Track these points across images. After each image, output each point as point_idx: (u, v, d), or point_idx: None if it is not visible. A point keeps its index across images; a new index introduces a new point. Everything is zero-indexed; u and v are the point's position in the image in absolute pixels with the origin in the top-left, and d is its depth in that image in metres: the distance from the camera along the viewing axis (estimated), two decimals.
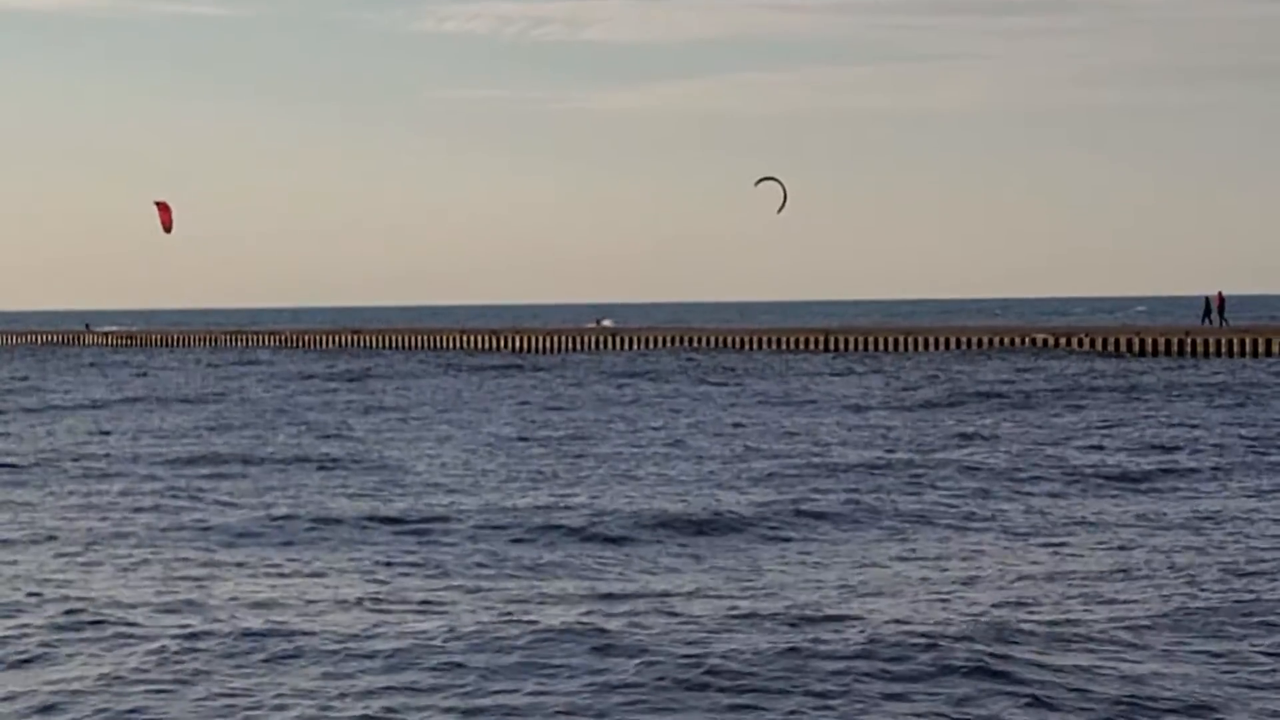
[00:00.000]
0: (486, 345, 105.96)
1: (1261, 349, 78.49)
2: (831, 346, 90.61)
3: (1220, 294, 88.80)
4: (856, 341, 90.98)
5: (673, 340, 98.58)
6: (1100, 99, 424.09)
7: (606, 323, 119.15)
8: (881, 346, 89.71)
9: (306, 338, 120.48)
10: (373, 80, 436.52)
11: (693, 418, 49.19)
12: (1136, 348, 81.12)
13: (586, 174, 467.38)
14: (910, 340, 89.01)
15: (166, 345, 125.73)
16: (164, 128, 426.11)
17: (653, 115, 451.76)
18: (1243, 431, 41.87)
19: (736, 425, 46.20)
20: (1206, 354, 79.10)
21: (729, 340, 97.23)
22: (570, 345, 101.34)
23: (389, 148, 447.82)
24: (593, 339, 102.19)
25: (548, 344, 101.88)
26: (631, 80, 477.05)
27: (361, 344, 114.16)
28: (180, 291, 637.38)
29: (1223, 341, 79.42)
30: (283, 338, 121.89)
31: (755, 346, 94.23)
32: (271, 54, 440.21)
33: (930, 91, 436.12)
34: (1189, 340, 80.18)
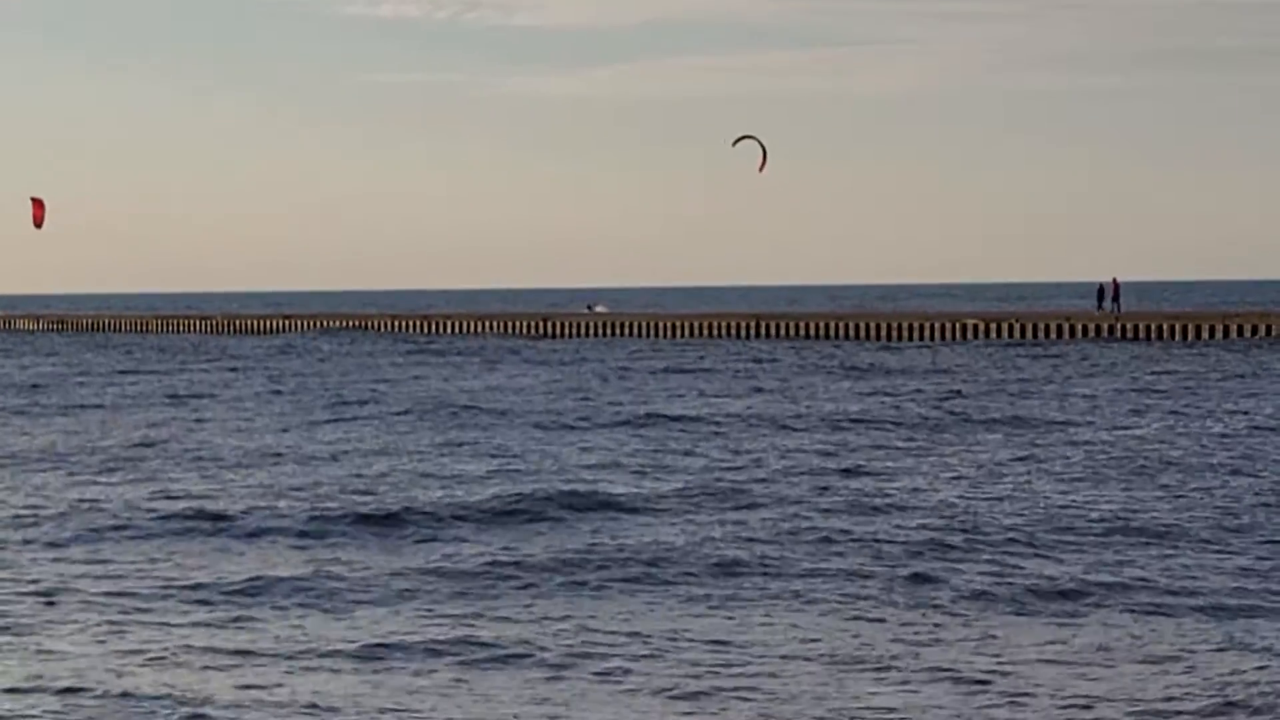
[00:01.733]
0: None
1: (1154, 333, 79.70)
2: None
3: (1115, 280, 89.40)
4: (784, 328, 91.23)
5: (674, 328, 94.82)
6: (1027, 83, 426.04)
7: (600, 308, 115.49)
8: (805, 333, 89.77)
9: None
10: (304, 64, 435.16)
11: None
12: (1045, 333, 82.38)
13: (517, 158, 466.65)
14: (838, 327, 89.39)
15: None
16: (81, 107, 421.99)
17: (585, 100, 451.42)
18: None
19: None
20: (1099, 337, 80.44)
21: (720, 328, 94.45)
22: (576, 331, 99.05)
23: (319, 131, 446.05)
24: (594, 325, 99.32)
25: (557, 328, 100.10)
26: (564, 65, 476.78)
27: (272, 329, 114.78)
28: (96, 275, 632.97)
29: (1115, 326, 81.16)
30: (213, 324, 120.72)
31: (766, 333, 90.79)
32: (201, 37, 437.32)
33: (862, 76, 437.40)
34: (1080, 325, 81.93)
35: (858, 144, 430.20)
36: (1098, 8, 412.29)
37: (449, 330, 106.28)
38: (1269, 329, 78.68)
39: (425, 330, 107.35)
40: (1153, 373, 59.47)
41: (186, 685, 15.32)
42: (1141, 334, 79.90)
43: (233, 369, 70.02)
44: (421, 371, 66.17)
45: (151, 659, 16.38)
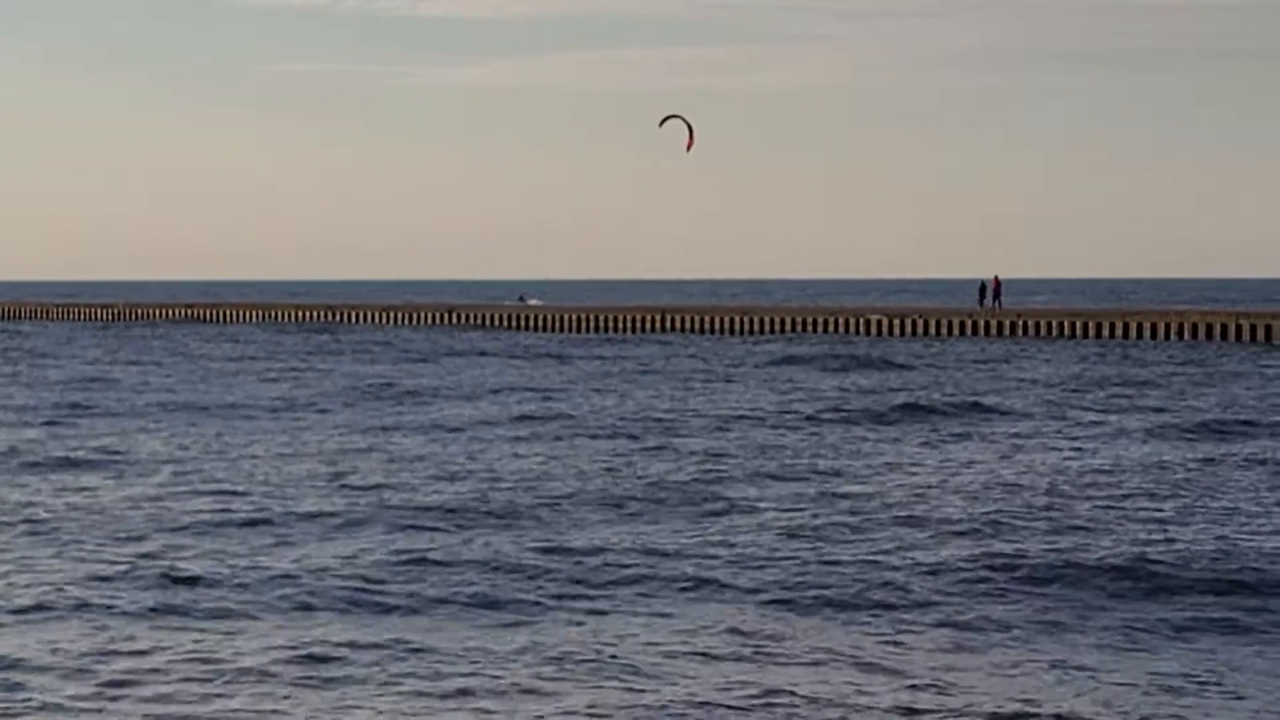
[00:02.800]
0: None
1: (1032, 330, 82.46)
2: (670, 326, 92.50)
3: (996, 278, 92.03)
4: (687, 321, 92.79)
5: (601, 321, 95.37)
6: (937, 80, 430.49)
7: (533, 302, 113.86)
8: (715, 327, 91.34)
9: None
10: (207, 52, 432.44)
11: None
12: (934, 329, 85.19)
13: (423, 149, 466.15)
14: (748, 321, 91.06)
15: None
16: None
17: (492, 91, 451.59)
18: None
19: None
20: (986, 334, 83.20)
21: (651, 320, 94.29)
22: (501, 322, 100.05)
23: (222, 119, 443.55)
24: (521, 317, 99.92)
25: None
26: (471, 56, 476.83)
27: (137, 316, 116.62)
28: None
29: (994, 323, 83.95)
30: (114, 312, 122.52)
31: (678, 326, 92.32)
32: (104, 25, 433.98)
33: (774, 72, 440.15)
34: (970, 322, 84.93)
35: (768, 140, 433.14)
36: (1009, 7, 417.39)
37: (353, 320, 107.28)
38: (1141, 328, 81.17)
39: (331, 319, 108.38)
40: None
41: None
42: (1022, 331, 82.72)
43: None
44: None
45: None
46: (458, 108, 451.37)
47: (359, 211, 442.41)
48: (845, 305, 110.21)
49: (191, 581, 19.97)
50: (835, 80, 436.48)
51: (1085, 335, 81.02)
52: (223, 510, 25.77)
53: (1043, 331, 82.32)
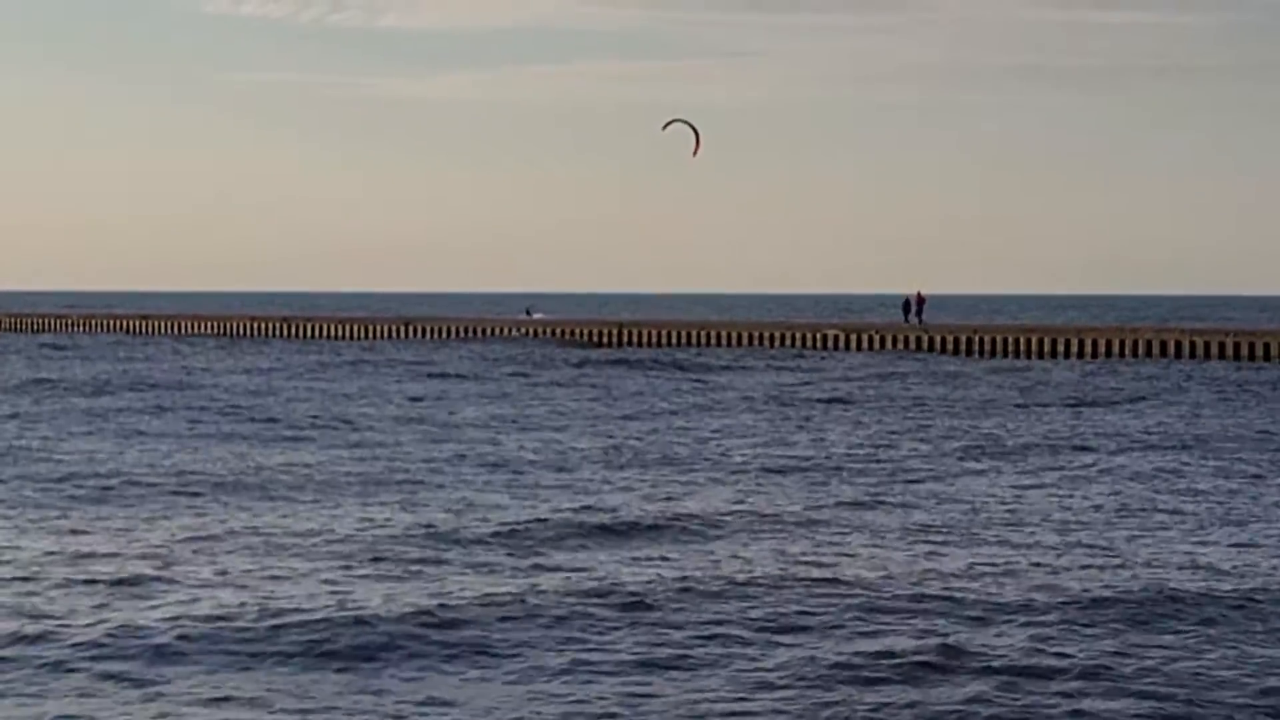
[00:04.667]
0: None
1: (951, 346, 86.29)
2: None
3: (920, 293, 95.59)
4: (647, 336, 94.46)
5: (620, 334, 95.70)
6: (885, 96, 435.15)
7: (538, 315, 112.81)
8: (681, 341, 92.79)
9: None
10: (164, 61, 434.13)
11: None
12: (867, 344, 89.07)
13: (380, 161, 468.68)
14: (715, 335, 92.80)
15: None
16: None
17: (448, 103, 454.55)
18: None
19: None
20: (910, 348, 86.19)
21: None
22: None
23: (179, 129, 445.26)
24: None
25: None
26: (428, 68, 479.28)
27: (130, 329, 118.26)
28: None
29: (921, 338, 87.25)
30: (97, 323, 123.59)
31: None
32: (59, 32, 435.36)
33: (719, 87, 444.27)
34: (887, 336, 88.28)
35: (715, 154, 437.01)
36: (952, 25, 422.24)
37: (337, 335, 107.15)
38: (1054, 343, 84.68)
39: (312, 335, 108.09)
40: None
41: None
42: (940, 347, 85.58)
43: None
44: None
45: None
46: (411, 119, 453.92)
47: (311, 222, 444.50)
48: (798, 321, 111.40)
49: None
50: (779, 95, 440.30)
51: (1004, 354, 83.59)
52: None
53: (962, 349, 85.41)
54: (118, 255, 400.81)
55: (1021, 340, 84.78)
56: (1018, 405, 54.07)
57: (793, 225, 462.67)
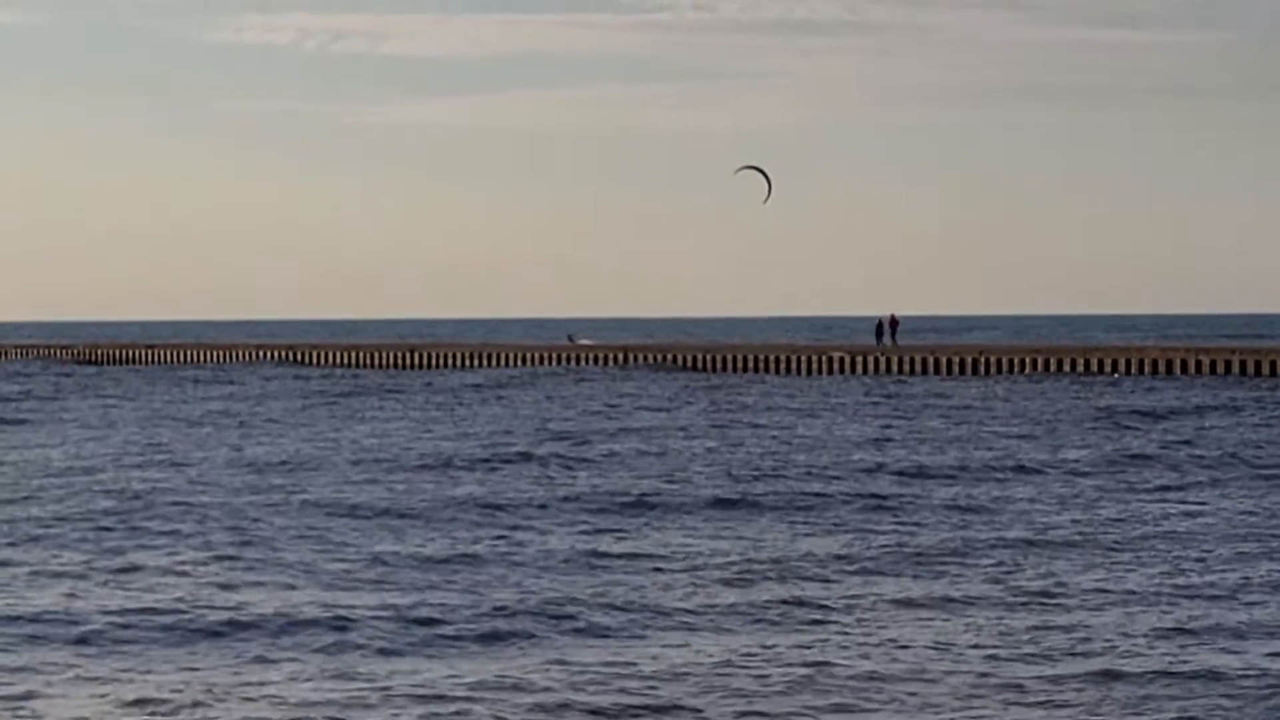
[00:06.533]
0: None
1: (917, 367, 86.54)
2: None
3: (894, 316, 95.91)
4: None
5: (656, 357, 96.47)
6: (889, 118, 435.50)
7: (584, 340, 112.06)
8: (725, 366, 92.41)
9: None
10: (167, 89, 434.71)
11: None
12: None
13: (386, 188, 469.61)
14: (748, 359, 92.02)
15: None
16: None
17: (454, 130, 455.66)
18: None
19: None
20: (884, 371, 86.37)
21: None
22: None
23: (183, 157, 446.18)
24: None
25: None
26: (433, 95, 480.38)
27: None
28: None
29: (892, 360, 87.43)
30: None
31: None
32: (62, 61, 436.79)
33: (728, 110, 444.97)
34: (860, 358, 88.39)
35: (722, 177, 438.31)
36: (947, 45, 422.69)
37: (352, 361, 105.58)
38: (1023, 362, 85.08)
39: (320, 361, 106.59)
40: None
41: None
42: (918, 368, 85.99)
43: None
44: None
45: None
46: (414, 145, 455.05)
47: (316, 249, 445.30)
48: (802, 344, 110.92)
49: None
50: (785, 118, 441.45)
51: (975, 373, 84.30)
52: None
53: (939, 369, 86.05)
54: (118, 284, 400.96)
55: (991, 359, 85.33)
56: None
57: (799, 248, 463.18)
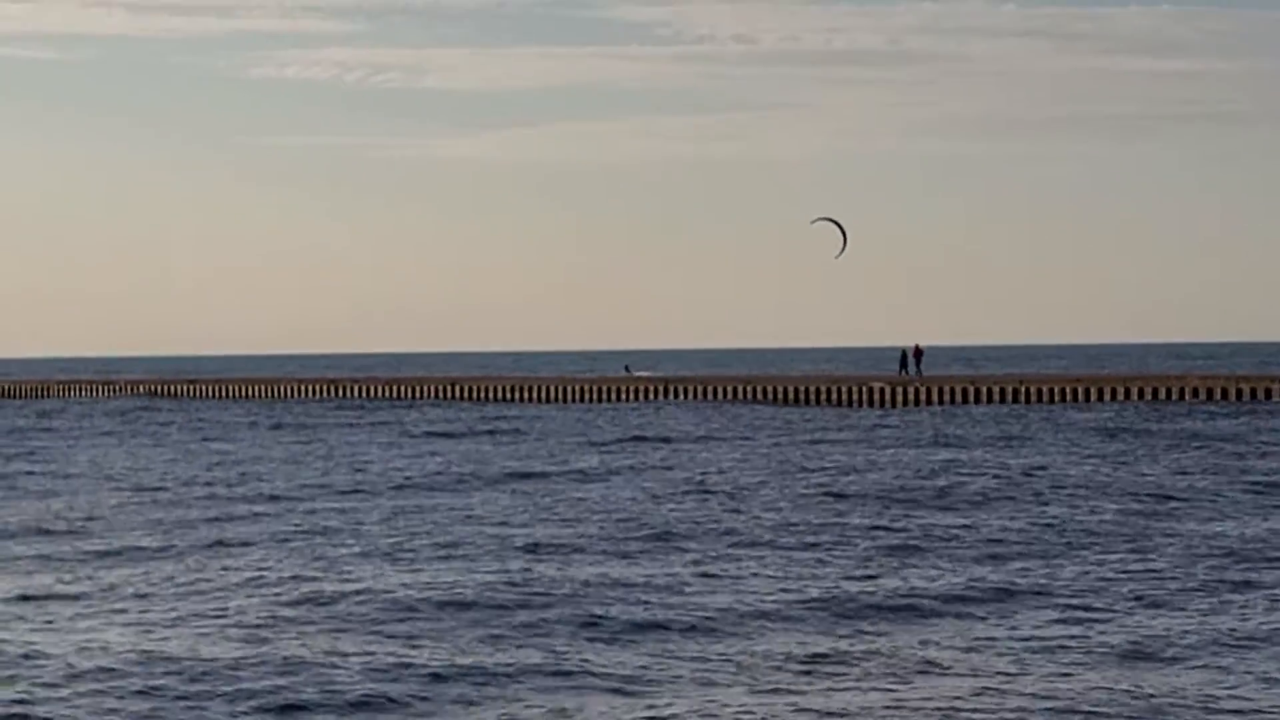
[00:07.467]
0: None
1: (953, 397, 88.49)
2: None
3: (918, 346, 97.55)
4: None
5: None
6: (928, 148, 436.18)
7: (642, 373, 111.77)
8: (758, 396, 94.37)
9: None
10: (211, 125, 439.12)
11: None
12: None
13: (427, 220, 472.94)
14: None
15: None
16: None
17: (493, 163, 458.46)
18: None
19: None
20: (912, 403, 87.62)
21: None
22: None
23: (227, 193, 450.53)
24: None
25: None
26: (471, 128, 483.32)
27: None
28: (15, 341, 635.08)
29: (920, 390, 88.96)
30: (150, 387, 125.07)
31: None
32: (108, 98, 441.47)
33: (766, 140, 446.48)
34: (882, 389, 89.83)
35: (761, 208, 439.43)
36: (986, 75, 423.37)
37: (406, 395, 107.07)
38: (1035, 392, 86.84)
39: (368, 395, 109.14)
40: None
41: None
42: (942, 399, 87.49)
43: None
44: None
45: None
46: (455, 178, 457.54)
47: (358, 284, 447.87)
48: (843, 375, 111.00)
49: None
50: (821, 148, 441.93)
51: (1001, 401, 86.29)
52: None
53: (961, 398, 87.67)
54: (160, 319, 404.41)
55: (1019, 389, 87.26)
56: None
57: (838, 277, 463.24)
